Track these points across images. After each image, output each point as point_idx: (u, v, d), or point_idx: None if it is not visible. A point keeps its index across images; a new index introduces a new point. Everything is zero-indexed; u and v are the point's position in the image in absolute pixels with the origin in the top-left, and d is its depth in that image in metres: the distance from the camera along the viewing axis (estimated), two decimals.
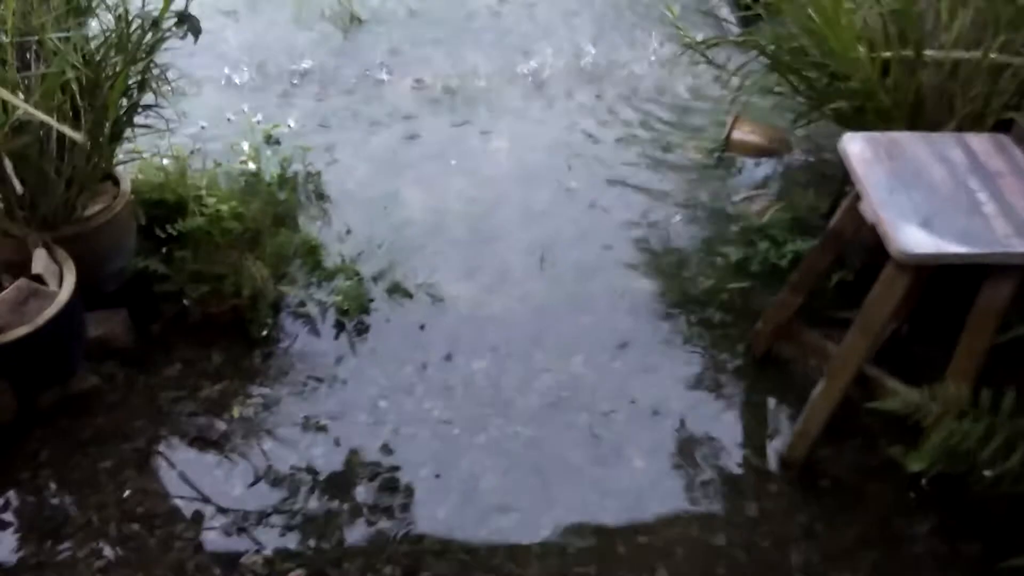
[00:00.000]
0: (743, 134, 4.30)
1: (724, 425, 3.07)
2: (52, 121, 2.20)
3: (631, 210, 4.04)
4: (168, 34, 2.77)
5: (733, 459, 2.96)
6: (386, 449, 2.96)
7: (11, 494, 2.74)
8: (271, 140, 4.15)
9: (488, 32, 5.43)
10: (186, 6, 2.66)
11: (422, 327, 3.44)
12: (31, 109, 2.19)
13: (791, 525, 2.76)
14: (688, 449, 2.98)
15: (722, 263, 3.73)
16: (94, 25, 3.01)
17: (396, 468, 2.89)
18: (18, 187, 2.57)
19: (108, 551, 2.60)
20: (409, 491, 2.82)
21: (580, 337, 3.40)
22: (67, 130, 2.19)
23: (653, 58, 5.17)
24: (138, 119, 3.24)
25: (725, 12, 5.43)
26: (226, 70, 4.94)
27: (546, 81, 4.99)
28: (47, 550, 2.58)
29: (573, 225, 3.95)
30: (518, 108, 4.76)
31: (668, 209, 4.04)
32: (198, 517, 2.71)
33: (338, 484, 2.84)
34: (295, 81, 4.91)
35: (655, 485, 2.87)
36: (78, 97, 2.91)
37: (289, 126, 4.38)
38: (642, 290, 3.62)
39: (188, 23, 2.62)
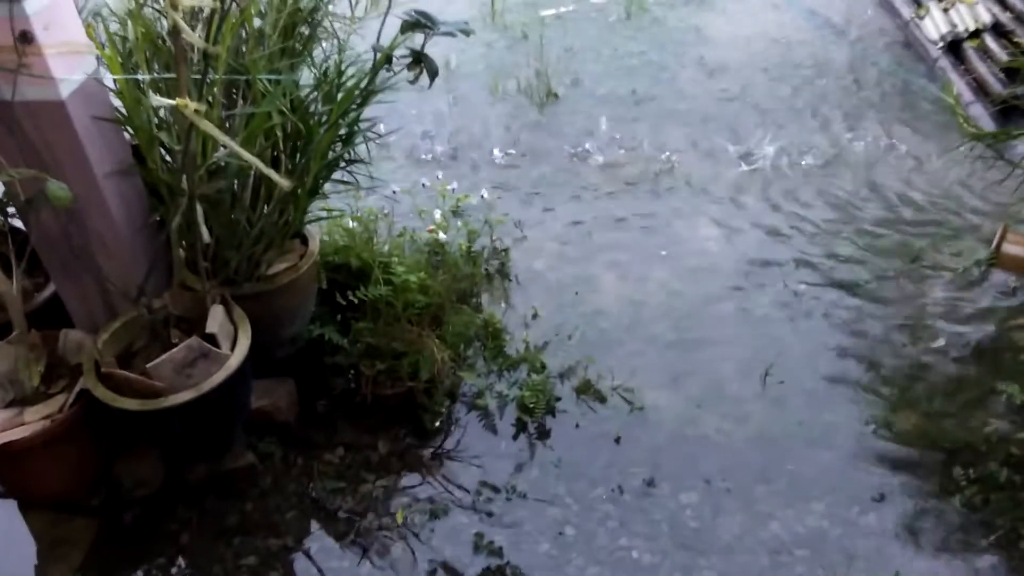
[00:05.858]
0: (1017, 248, 3.54)
1: None
2: (259, 163, 1.88)
3: (875, 326, 3.33)
4: (396, 73, 2.44)
5: None
6: None
7: None
8: (458, 212, 3.87)
9: (694, 114, 4.98)
10: (422, 46, 2.32)
11: (617, 440, 2.89)
12: (238, 148, 1.89)
13: None
14: None
15: (1003, 404, 2.94)
16: (304, 73, 2.80)
17: None
18: (205, 235, 2.31)
19: None
20: None
21: (819, 479, 2.71)
22: (273, 174, 1.87)
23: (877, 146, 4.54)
24: (336, 176, 2.96)
25: (977, 109, 4.71)
26: (418, 137, 4.79)
27: (760, 167, 4.44)
28: None
29: (801, 338, 3.29)
30: (731, 196, 4.22)
31: (925, 330, 3.30)
32: None
33: None
34: (488, 153, 4.64)
35: None
36: (280, 145, 2.68)
37: (483, 196, 4.06)
38: (895, 426, 2.89)
39: (424, 64, 2.28)
